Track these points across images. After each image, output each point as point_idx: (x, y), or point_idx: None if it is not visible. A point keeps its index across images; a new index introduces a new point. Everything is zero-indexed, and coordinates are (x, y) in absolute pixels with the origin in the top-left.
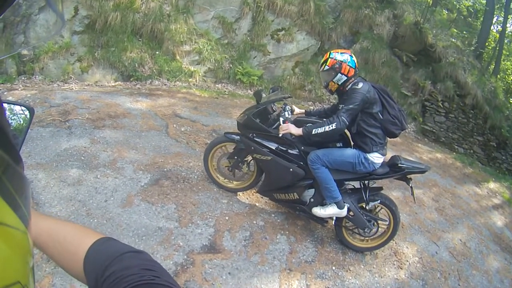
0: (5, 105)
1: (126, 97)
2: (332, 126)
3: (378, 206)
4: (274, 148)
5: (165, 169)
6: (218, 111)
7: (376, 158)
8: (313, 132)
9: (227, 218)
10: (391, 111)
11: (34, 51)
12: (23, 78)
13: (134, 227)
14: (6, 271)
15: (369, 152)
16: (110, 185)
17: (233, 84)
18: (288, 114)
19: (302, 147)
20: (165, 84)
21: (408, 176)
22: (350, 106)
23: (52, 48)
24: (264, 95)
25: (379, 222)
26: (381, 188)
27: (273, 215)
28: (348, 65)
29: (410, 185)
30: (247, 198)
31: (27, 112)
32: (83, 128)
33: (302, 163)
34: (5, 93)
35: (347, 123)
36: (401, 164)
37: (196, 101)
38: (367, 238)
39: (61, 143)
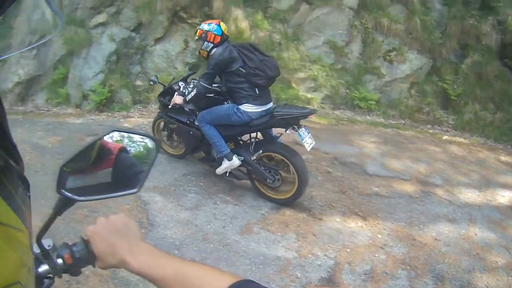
0: (135, 136)
1: None
2: (194, 91)
3: (275, 156)
4: (178, 118)
5: None
6: (338, 138)
7: (249, 108)
8: (187, 99)
9: (348, 250)
10: (251, 65)
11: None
12: (138, 106)
13: (251, 255)
14: (6, 271)
15: (240, 104)
16: (230, 212)
17: (351, 110)
18: (183, 88)
19: (197, 112)
20: None
21: (301, 123)
22: (206, 71)
23: (166, 79)
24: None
25: (281, 172)
26: (276, 138)
27: (395, 248)
28: (213, 33)
29: (298, 131)
30: (369, 230)
31: (154, 144)
32: None
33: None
34: (121, 120)
35: (206, 85)
36: (276, 112)
37: (316, 128)
38: (276, 189)
39: (179, 168)
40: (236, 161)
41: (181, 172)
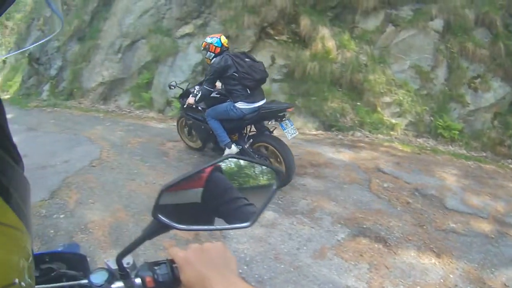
0: (253, 165)
1: (328, 147)
2: (200, 93)
3: (268, 146)
4: (194, 115)
5: (364, 226)
6: (420, 168)
7: (242, 105)
8: (196, 99)
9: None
10: (241, 70)
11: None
12: None
13: (321, 281)
14: (6, 270)
15: (235, 102)
16: (305, 234)
17: (434, 138)
18: (196, 91)
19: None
20: (367, 136)
21: (285, 117)
22: (207, 77)
23: None
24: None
25: (272, 160)
26: (267, 130)
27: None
28: (214, 45)
29: (281, 123)
30: (442, 268)
31: (273, 175)
32: None
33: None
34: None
35: (209, 88)
36: (262, 107)
37: (399, 156)
38: None
39: None
40: (234, 149)
41: None
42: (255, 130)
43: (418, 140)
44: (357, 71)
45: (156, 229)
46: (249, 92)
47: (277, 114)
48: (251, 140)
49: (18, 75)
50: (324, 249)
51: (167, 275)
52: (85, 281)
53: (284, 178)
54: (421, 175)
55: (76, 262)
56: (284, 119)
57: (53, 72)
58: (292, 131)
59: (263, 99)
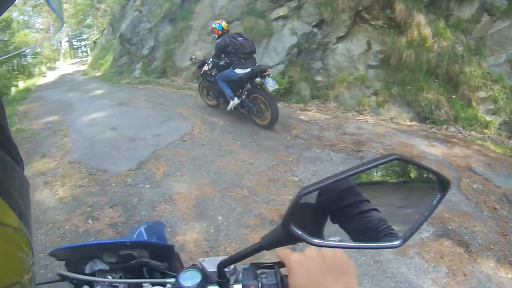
0: (420, 170)
1: (421, 139)
2: (210, 63)
3: (255, 96)
4: (209, 79)
5: (449, 227)
6: (511, 172)
7: (239, 70)
8: (209, 67)
9: None
10: (235, 46)
11: (329, 79)
12: (316, 102)
13: (398, 279)
14: (7, 271)
15: (234, 69)
16: None
17: None
18: (209, 62)
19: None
20: (460, 132)
21: (269, 75)
22: (214, 53)
23: (347, 78)
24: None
25: (263, 107)
26: (259, 85)
27: None
28: (217, 29)
29: (264, 79)
30: None
31: (440, 184)
32: None
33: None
34: (298, 111)
35: (216, 60)
36: (251, 69)
37: (491, 156)
38: (260, 118)
39: None
40: (236, 101)
41: None
42: (250, 86)
43: (510, 141)
44: (453, 61)
45: (281, 240)
46: (243, 61)
47: (262, 72)
48: (247, 92)
49: (109, 54)
50: (407, 246)
51: (275, 285)
52: (171, 280)
53: (270, 122)
54: (511, 180)
55: (161, 251)
56: (267, 76)
57: (145, 51)
58: (272, 85)
59: (254, 65)
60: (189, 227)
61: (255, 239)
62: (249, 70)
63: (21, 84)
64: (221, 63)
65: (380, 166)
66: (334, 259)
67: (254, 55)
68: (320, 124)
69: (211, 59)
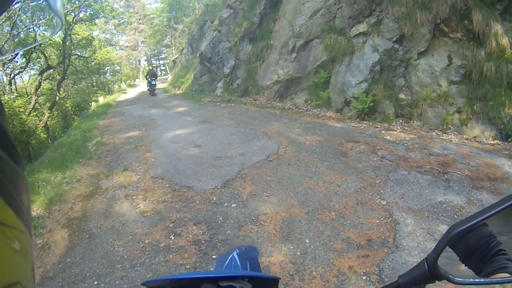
0: None
1: (505, 159)
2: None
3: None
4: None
5: None
6: None
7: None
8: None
9: None
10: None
11: (412, 96)
12: (400, 120)
13: None
14: (6, 271)
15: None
16: None
17: None
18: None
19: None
20: None
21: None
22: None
23: (430, 95)
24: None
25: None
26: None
27: None
28: None
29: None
30: None
31: None
32: (461, 185)
33: None
34: (383, 131)
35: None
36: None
37: None
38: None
39: (436, 194)
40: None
41: (438, 199)
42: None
43: None
44: None
45: (421, 279)
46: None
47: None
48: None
49: (189, 73)
50: None
51: None
52: None
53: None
54: None
55: (265, 283)
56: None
57: (226, 70)
58: None
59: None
60: (275, 249)
61: (341, 263)
62: None
63: (101, 100)
64: None
65: None
66: None
67: None
68: (405, 144)
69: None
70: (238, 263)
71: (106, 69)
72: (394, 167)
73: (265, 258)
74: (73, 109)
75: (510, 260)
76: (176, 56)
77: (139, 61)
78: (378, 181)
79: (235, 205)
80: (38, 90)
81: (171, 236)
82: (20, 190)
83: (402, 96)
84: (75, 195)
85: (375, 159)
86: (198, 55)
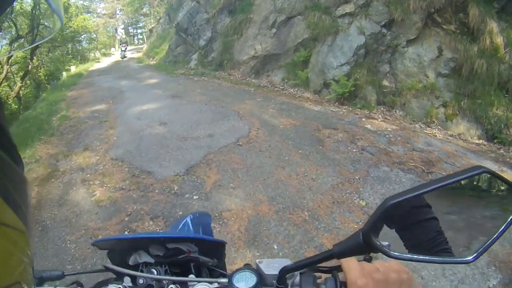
0: (505, 186)
1: (492, 162)
2: None
3: None
4: None
5: None
6: None
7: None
8: None
9: None
10: None
11: (396, 85)
12: (382, 108)
13: None
14: (6, 271)
15: None
16: (460, 273)
17: None
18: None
19: None
20: None
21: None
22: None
23: (416, 86)
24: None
25: None
26: None
27: None
28: None
29: None
30: None
31: None
32: None
33: None
34: (363, 119)
35: None
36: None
37: None
38: None
39: None
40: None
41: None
42: None
43: None
44: None
45: (356, 250)
46: None
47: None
48: None
49: (165, 43)
50: None
51: None
52: (224, 280)
53: None
54: None
55: (212, 246)
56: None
57: (202, 42)
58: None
59: None
60: (239, 255)
61: None
62: None
63: (73, 69)
64: None
65: (466, 180)
66: (397, 277)
67: None
68: (387, 136)
69: None
70: (191, 227)
71: (82, 37)
72: (375, 162)
73: (228, 266)
74: (46, 78)
75: (447, 242)
76: (153, 25)
77: (116, 29)
78: (357, 177)
79: (197, 197)
80: (10, 59)
81: (126, 231)
82: (20, 190)
83: (385, 83)
84: (32, 178)
85: (354, 150)
86: (174, 25)
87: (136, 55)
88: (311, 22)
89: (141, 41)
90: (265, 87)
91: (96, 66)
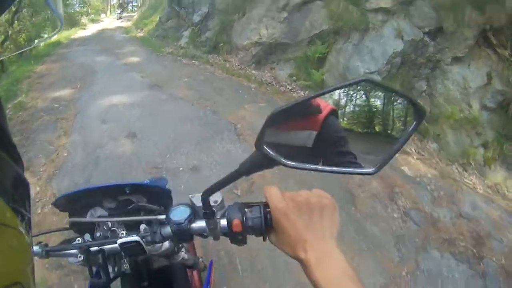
0: (390, 94)
1: None
2: None
3: None
4: None
5: None
6: None
7: None
8: None
9: None
10: None
11: (432, 109)
12: (413, 136)
13: None
14: (6, 271)
15: None
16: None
17: None
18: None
19: None
20: None
21: None
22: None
23: (455, 115)
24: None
25: None
26: None
27: None
28: None
29: None
30: None
31: (414, 112)
32: (498, 285)
33: None
34: (397, 154)
35: None
36: None
37: None
38: None
39: None
40: None
41: None
42: None
43: None
44: None
45: (257, 163)
46: None
47: None
48: None
49: (155, 14)
50: None
51: (258, 220)
52: (162, 216)
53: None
54: None
55: (158, 196)
56: None
57: (196, 18)
58: None
59: None
60: None
61: None
62: None
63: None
64: None
65: (350, 87)
66: (319, 211)
67: None
68: (429, 188)
69: None
70: None
71: (68, 1)
72: (423, 240)
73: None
74: (26, 43)
75: (355, 157)
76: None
77: None
78: (404, 273)
79: None
80: None
81: None
82: (20, 190)
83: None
84: None
85: (395, 215)
86: None
87: (124, 23)
88: (334, 11)
89: (135, 9)
90: (269, 84)
91: (79, 33)
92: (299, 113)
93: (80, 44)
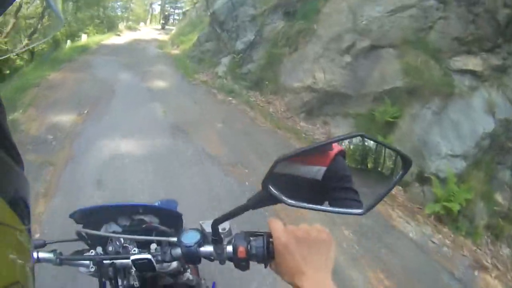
0: (384, 148)
1: None
2: None
3: None
4: None
5: None
6: None
7: None
8: None
9: None
10: None
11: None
12: (485, 237)
13: None
14: (6, 271)
15: None
16: None
17: None
18: None
19: None
20: None
21: None
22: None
23: None
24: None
25: None
26: None
27: None
28: None
29: None
30: None
31: (403, 163)
32: None
33: None
34: (476, 272)
35: None
36: None
37: None
38: None
39: None
40: None
41: None
42: None
43: None
44: None
45: (262, 200)
46: None
47: None
48: None
49: (195, 32)
50: None
51: (261, 249)
52: (174, 238)
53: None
54: None
55: (170, 219)
56: None
57: (239, 45)
58: None
59: None
60: None
61: None
62: None
63: (84, 38)
64: None
65: (346, 141)
66: (318, 247)
67: None
68: None
69: None
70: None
71: (117, 4)
72: None
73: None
74: (64, 38)
75: (357, 200)
76: (188, 8)
77: (151, 4)
78: None
79: None
80: (19, 12)
81: None
82: (20, 190)
83: (498, 197)
84: None
85: None
86: (209, 13)
87: (161, 36)
88: (410, 64)
89: (176, 22)
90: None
91: (112, 40)
92: (300, 160)
93: (108, 53)
